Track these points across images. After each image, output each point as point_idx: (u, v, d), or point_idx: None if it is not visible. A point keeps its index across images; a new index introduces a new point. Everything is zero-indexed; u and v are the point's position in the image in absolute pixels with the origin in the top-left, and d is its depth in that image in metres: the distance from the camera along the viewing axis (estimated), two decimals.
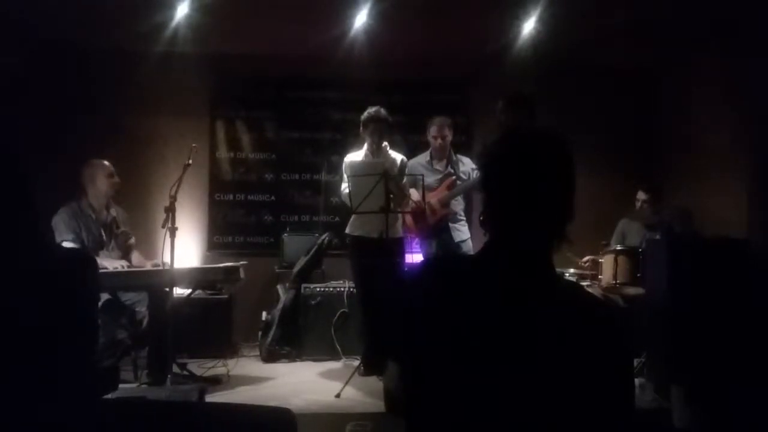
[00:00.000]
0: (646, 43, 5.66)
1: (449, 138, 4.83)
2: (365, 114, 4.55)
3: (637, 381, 3.78)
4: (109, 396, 1.47)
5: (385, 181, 4.04)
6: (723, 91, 5.39)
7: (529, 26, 5.30)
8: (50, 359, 1.20)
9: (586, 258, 4.88)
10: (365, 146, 4.63)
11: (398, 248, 4.54)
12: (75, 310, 1.24)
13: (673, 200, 5.41)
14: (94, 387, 1.41)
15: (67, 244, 4.15)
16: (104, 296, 4.04)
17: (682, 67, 6.01)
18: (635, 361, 3.99)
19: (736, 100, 5.16)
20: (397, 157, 4.67)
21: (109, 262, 4.14)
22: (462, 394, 1.21)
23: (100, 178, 4.40)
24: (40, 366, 1.18)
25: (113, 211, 4.54)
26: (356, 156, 4.65)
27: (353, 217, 4.56)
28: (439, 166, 4.87)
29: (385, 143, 4.59)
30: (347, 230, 4.68)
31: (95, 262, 1.46)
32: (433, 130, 4.81)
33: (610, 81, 6.21)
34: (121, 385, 3.78)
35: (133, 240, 4.64)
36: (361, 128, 4.60)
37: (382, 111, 4.53)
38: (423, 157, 4.92)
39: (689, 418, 3.32)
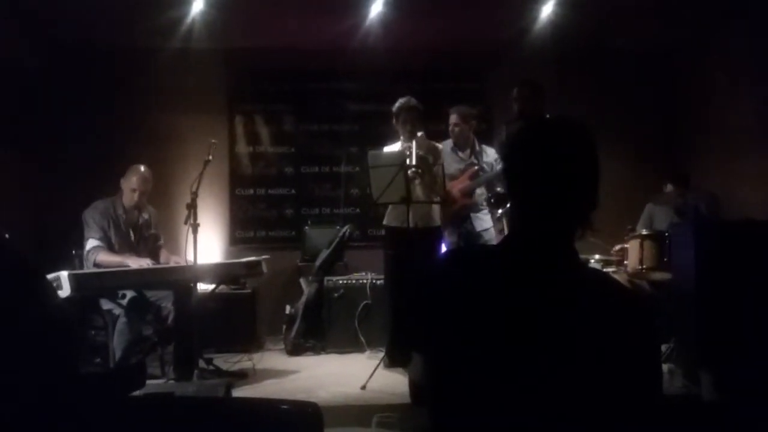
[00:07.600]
0: (666, 24, 5.56)
1: (463, 127, 4.73)
2: (396, 104, 4.45)
3: (665, 367, 3.73)
4: (137, 393, 1.48)
5: (405, 172, 4.02)
6: (746, 71, 5.28)
7: (547, 9, 5.24)
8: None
9: (618, 247, 4.77)
10: (401, 138, 4.48)
11: (434, 237, 4.49)
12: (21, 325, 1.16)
13: (698, 184, 5.32)
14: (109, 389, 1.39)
15: (92, 242, 4.21)
16: (130, 293, 4.08)
17: (704, 48, 5.90)
18: (664, 347, 3.94)
19: (760, 81, 5.05)
20: (435, 145, 4.56)
21: (133, 261, 4.18)
22: (486, 384, 1.20)
23: (127, 187, 4.41)
24: None
25: (145, 214, 4.57)
26: (392, 148, 4.52)
27: (390, 207, 4.51)
28: (463, 155, 4.82)
29: (421, 132, 4.44)
30: (384, 221, 4.61)
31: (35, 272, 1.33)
32: (450, 119, 4.77)
33: (630, 64, 6.11)
34: (148, 381, 3.82)
35: (161, 242, 4.69)
36: (393, 120, 4.49)
37: (413, 100, 4.43)
38: (447, 145, 4.85)
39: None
